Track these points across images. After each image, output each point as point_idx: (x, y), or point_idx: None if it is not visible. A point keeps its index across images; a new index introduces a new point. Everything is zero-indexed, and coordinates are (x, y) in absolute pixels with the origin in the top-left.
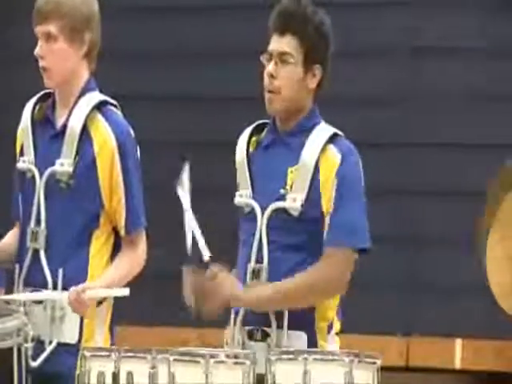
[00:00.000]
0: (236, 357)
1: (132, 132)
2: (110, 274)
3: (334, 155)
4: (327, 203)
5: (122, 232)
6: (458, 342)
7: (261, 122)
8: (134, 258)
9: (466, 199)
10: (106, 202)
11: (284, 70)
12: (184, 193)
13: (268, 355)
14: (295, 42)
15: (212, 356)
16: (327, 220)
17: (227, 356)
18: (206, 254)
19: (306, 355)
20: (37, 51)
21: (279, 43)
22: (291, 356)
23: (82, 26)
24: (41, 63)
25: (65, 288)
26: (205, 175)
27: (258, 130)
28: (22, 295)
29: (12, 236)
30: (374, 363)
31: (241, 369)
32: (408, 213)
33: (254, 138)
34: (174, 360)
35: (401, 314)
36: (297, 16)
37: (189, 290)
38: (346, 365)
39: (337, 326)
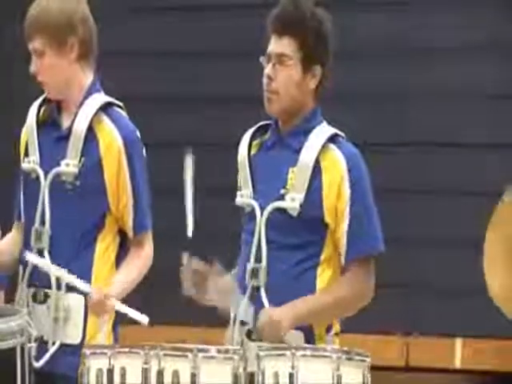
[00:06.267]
0: (226, 352)
1: (138, 133)
2: (122, 278)
3: (337, 159)
4: (336, 210)
5: (130, 233)
6: (458, 341)
7: (263, 123)
8: (143, 259)
9: (466, 199)
10: (113, 204)
11: (282, 72)
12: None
13: (257, 351)
14: (294, 44)
15: (201, 351)
16: (343, 228)
17: (218, 351)
18: (190, 232)
19: (293, 351)
20: (31, 69)
21: (277, 45)
22: (280, 352)
23: (63, 32)
24: (38, 78)
25: (69, 289)
26: (206, 176)
27: (261, 131)
28: (53, 267)
29: (8, 239)
30: (364, 361)
31: (230, 364)
32: (408, 213)
33: (256, 141)
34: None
35: (401, 314)
36: (295, 18)
37: (189, 279)
38: (334, 361)
39: (336, 327)
